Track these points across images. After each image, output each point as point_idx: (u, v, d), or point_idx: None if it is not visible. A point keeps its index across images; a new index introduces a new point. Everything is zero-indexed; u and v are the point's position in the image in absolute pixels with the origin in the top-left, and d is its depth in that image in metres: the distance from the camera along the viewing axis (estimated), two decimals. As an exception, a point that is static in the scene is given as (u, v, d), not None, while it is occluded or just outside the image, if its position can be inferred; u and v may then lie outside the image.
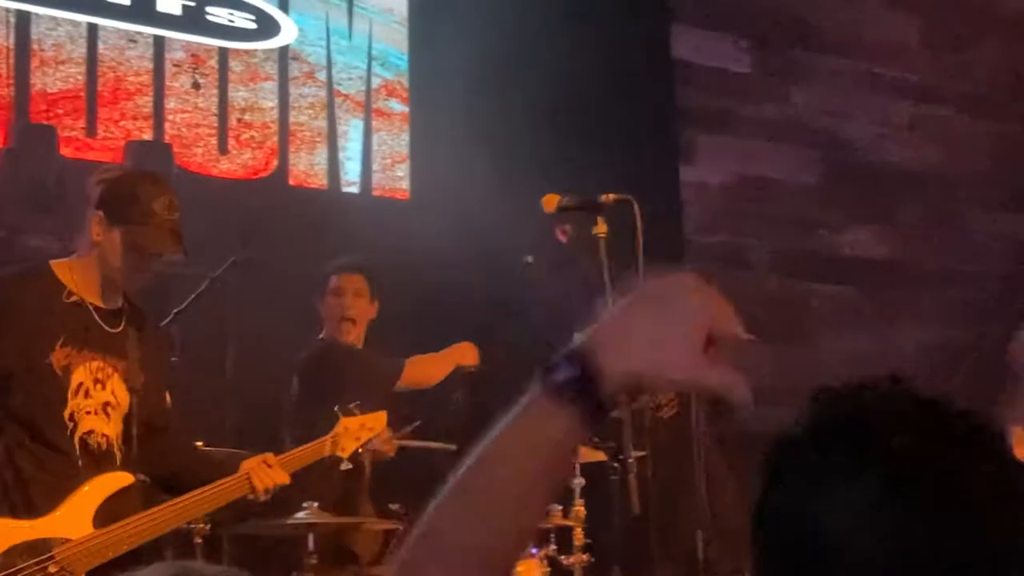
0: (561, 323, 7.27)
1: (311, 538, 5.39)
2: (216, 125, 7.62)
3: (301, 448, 4.92)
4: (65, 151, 7.08)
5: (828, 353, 9.54)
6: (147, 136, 7.36)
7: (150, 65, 7.45)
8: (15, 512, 4.25)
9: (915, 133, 10.23)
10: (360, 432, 5.03)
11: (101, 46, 7.33)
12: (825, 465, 1.46)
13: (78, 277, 4.45)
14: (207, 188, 7.31)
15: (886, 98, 10.16)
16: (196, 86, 7.57)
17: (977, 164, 10.35)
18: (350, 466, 5.12)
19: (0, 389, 4.33)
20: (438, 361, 6.53)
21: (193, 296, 6.21)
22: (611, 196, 4.94)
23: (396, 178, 8.18)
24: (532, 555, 5.97)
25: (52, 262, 4.53)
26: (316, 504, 5.39)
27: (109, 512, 4.30)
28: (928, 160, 10.22)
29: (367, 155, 8.08)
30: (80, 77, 7.25)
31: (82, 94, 7.24)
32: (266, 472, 4.63)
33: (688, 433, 6.61)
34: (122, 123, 7.32)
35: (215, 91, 7.64)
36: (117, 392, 4.45)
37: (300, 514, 5.25)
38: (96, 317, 4.45)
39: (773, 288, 9.42)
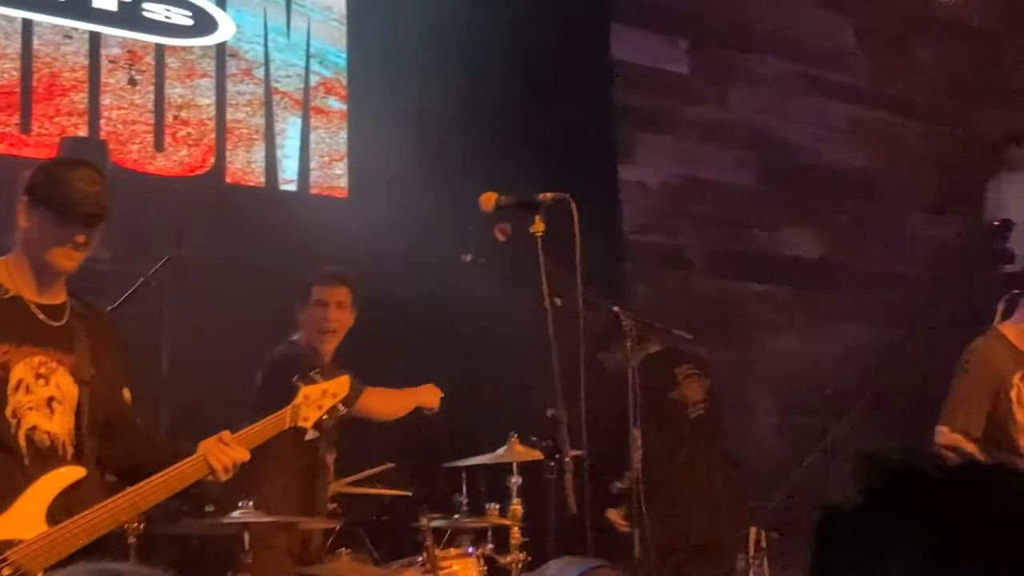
0: (499, 321, 7.32)
1: (247, 537, 5.36)
2: (152, 122, 7.57)
3: (260, 422, 4.79)
4: (-1, 147, 7.03)
5: (762, 352, 9.60)
6: (82, 132, 7.30)
7: (86, 61, 7.40)
8: None
9: (851, 135, 10.32)
10: (322, 399, 4.90)
11: (36, 42, 7.27)
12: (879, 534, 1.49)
13: (14, 273, 4.38)
14: (143, 185, 7.27)
15: (822, 100, 10.24)
16: (132, 82, 7.52)
17: (911, 167, 10.46)
18: (316, 434, 4.98)
19: None
20: (399, 397, 6.43)
21: (127, 294, 6.17)
22: (549, 195, 4.95)
23: (334, 176, 8.16)
24: (469, 554, 5.98)
25: None
26: (251, 503, 5.36)
27: (63, 508, 4.21)
28: (863, 162, 10.31)
29: (305, 153, 8.06)
30: (15, 73, 7.18)
31: (16, 90, 7.17)
32: (223, 451, 4.46)
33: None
34: (57, 119, 7.26)
35: (151, 88, 7.59)
36: (63, 386, 4.36)
37: (235, 513, 5.21)
38: (36, 312, 4.37)
39: (709, 288, 9.47)
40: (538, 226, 4.95)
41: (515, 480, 6.10)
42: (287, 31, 8.08)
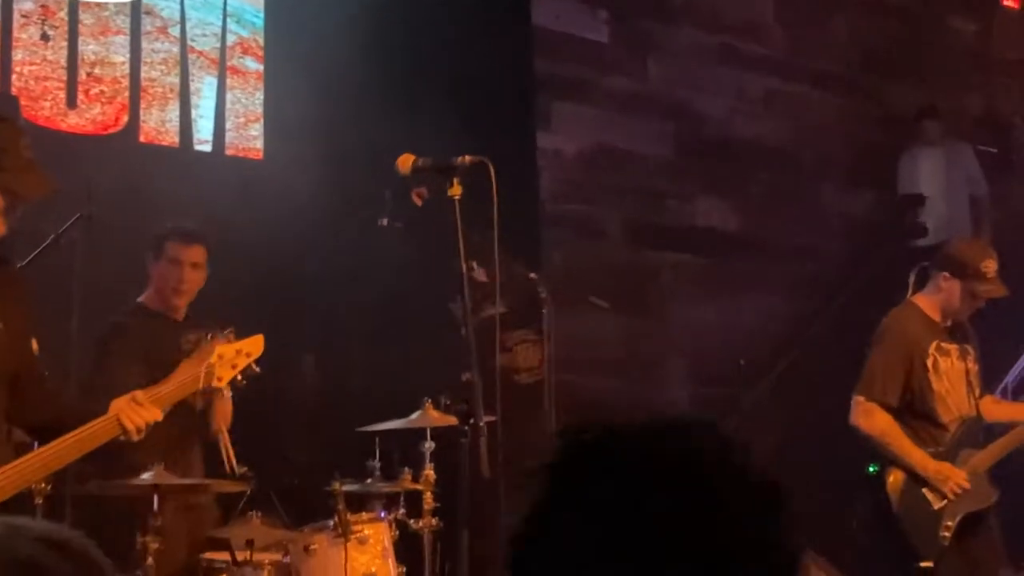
0: (415, 285, 7.29)
1: (155, 499, 5.31)
2: (65, 79, 7.45)
3: (173, 381, 4.73)
4: (-93, 100, 6.89)
5: (676, 323, 9.65)
6: (-7, 88, 7.19)
7: (-2, 15, 7.27)
8: None
9: (767, 107, 10.38)
10: (237, 359, 4.86)
11: (-53, -6, 7.14)
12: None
13: None
14: (54, 142, 7.16)
15: (740, 72, 10.28)
16: (45, 38, 7.40)
17: (827, 140, 10.54)
18: (230, 393, 4.92)
19: None
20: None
21: (37, 251, 6.07)
22: (467, 158, 4.92)
23: (250, 137, 8.09)
24: (381, 518, 5.97)
25: None
26: (162, 465, 5.32)
27: None
28: (779, 135, 10.37)
29: (220, 113, 7.97)
30: (-76, 25, 7.05)
31: (-75, 42, 7.04)
32: (135, 411, 4.44)
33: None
34: (-33, 74, 7.14)
35: (64, 44, 7.47)
36: None
37: (145, 475, 5.16)
38: None
39: (624, 257, 9.49)
40: (455, 189, 4.92)
41: (428, 445, 6.09)
42: (204, -11, 7.99)
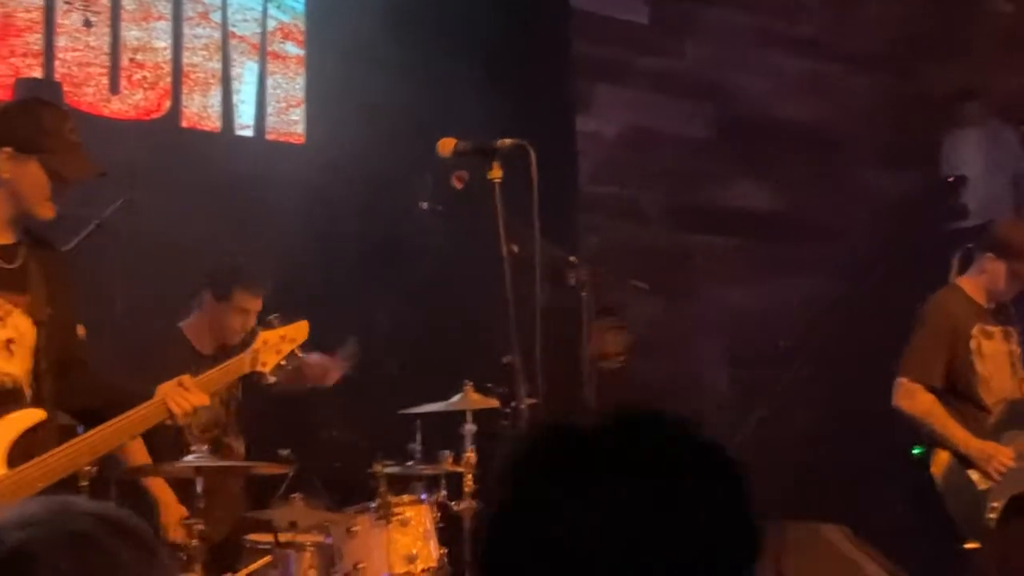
0: (455, 268, 7.32)
1: (199, 481, 5.36)
2: (108, 64, 7.50)
3: (220, 366, 4.76)
4: (-49, 87, 6.96)
5: (714, 305, 9.65)
6: (37, 74, 7.23)
7: (41, 2, 7.30)
8: None
9: (805, 88, 10.34)
10: (281, 345, 4.87)
11: (-11, -19, 7.19)
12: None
13: None
14: (97, 128, 7.21)
15: (778, 53, 10.25)
16: (88, 24, 7.45)
17: (865, 121, 10.50)
18: (274, 379, 4.94)
19: None
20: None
21: (81, 237, 6.14)
22: (507, 141, 4.94)
23: (291, 122, 8.12)
24: (422, 501, 6.01)
25: None
26: (205, 447, 5.36)
27: (23, 451, 4.18)
28: (817, 115, 10.34)
29: (261, 98, 8.01)
30: (-32, 13, 7.11)
31: (-30, 30, 7.10)
32: (182, 395, 4.45)
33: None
34: (11, 60, 7.17)
35: (107, 30, 7.52)
36: (21, 327, 4.30)
37: (188, 457, 5.20)
38: None
39: (661, 239, 9.50)
40: (496, 172, 4.93)
41: (469, 428, 6.12)
42: (245, -25, 8.03)
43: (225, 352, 5.96)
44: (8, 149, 4.28)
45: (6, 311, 4.29)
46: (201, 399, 4.51)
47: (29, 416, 4.26)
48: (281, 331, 4.88)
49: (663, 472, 1.53)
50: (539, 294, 4.96)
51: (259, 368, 4.81)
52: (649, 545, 1.49)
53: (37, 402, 4.32)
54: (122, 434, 4.41)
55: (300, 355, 4.93)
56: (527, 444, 1.61)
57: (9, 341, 4.28)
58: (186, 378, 4.51)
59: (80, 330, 4.68)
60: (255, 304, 6.21)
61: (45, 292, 4.39)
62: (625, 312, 8.16)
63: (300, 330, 4.95)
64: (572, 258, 6.81)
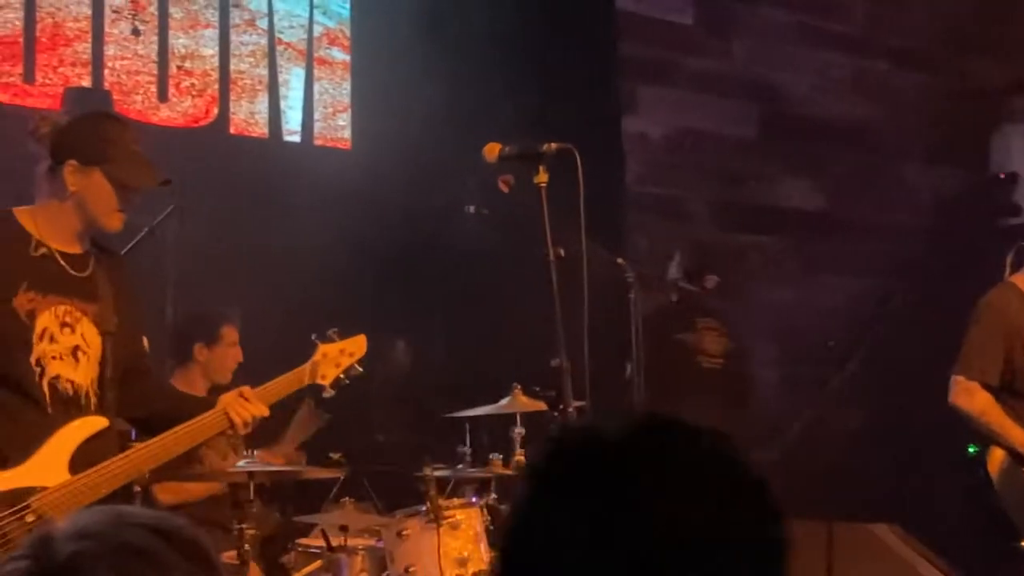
0: (502, 272, 7.33)
1: (251, 487, 5.40)
2: (156, 72, 7.56)
3: (280, 378, 4.81)
4: (2, 97, 7.02)
5: (762, 304, 9.62)
6: (86, 83, 7.29)
7: (89, 11, 7.37)
8: None
9: (851, 86, 10.31)
10: (340, 358, 4.91)
11: (39, -9, 7.26)
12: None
13: (41, 224, 4.38)
14: (146, 136, 7.23)
15: (823, 51, 10.22)
16: (136, 32, 7.51)
17: (910, 118, 10.44)
18: (332, 393, 4.99)
19: None
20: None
21: (132, 243, 6.18)
22: (553, 145, 4.95)
23: (338, 127, 8.16)
24: (472, 504, 6.02)
25: (15, 209, 4.43)
26: (256, 452, 5.40)
27: (85, 457, 4.24)
28: (863, 113, 10.30)
29: (308, 104, 8.05)
30: (18, 23, 7.16)
31: (20, 40, 7.16)
32: (243, 405, 4.51)
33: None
34: (61, 69, 7.25)
35: (155, 38, 7.58)
36: (87, 335, 4.37)
37: (240, 462, 5.23)
38: (62, 263, 4.38)
39: (709, 239, 9.48)
40: (542, 176, 4.94)
41: (518, 431, 6.13)
42: (290, -19, 8.07)
43: (217, 391, 6.04)
44: (73, 162, 4.34)
45: (75, 319, 4.35)
46: (261, 410, 4.57)
47: (92, 423, 4.31)
48: (340, 345, 4.92)
49: (685, 483, 1.53)
50: (586, 296, 4.96)
51: (318, 380, 4.86)
52: (664, 557, 1.49)
53: (100, 410, 4.37)
54: (183, 443, 4.48)
55: (359, 369, 4.97)
56: (553, 445, 1.62)
57: (76, 348, 4.34)
58: (246, 389, 4.57)
59: (144, 342, 4.75)
60: (237, 335, 6.38)
61: (112, 302, 4.45)
62: (726, 316, 8.21)
63: (359, 344, 4.99)
64: (620, 260, 6.82)
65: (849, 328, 9.52)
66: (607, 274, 6.62)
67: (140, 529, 1.68)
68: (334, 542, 5.73)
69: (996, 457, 6.27)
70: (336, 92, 8.16)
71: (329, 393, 4.91)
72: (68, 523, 1.69)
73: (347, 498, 5.82)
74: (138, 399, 4.57)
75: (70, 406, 4.29)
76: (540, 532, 1.55)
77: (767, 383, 9.51)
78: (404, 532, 5.82)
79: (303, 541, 5.94)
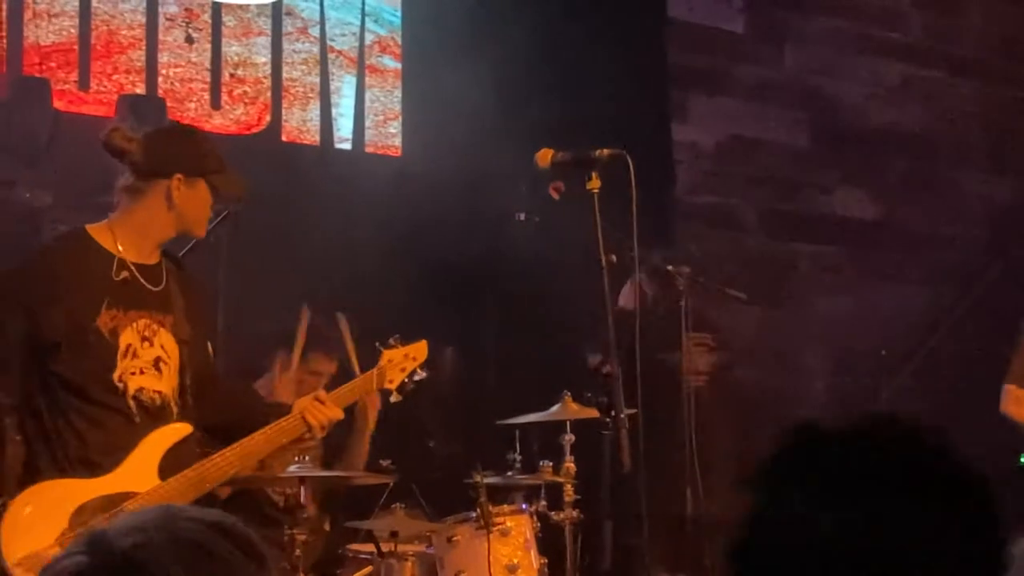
0: (553, 279, 7.33)
1: (302, 491, 5.41)
2: (209, 80, 7.60)
3: (351, 383, 4.89)
4: (58, 104, 7.06)
5: (814, 314, 9.58)
6: (140, 90, 7.34)
7: (143, 19, 7.42)
8: (80, 473, 4.24)
9: (905, 95, 10.25)
10: (405, 363, 5.00)
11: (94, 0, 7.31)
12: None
13: (120, 238, 4.45)
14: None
15: (877, 59, 10.16)
16: (189, 40, 7.55)
17: (965, 126, 10.38)
18: (399, 398, 5.05)
19: (50, 357, 4.31)
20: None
21: (185, 250, 6.20)
22: (605, 151, 4.94)
23: (389, 135, 8.18)
24: (522, 511, 6.01)
25: (89, 227, 4.51)
26: (308, 457, 5.41)
27: (172, 463, 4.31)
28: (917, 122, 10.24)
29: (360, 112, 8.07)
30: (73, 30, 7.22)
31: (75, 47, 7.21)
32: (319, 409, 4.62)
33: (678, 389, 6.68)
34: (115, 77, 7.30)
35: (208, 46, 7.62)
36: (167, 346, 4.43)
37: (292, 467, 5.25)
38: (139, 276, 4.45)
39: (761, 248, 9.45)
40: (594, 183, 4.94)
41: (568, 438, 6.11)
42: (342, -11, 8.10)
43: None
44: (180, 175, 4.41)
45: (153, 331, 4.41)
46: (337, 413, 4.69)
47: (178, 430, 4.38)
48: (404, 350, 5.01)
49: (916, 490, 1.53)
50: (637, 304, 4.95)
51: (386, 386, 4.94)
52: (893, 566, 1.49)
53: (183, 416, 4.43)
54: (264, 448, 4.58)
55: (423, 373, 5.03)
56: (782, 449, 1.62)
57: (158, 360, 4.40)
58: (322, 393, 4.70)
59: (209, 348, 4.81)
60: (328, 367, 6.34)
61: (185, 311, 4.52)
62: (719, 329, 8.12)
63: (421, 350, 5.09)
64: (670, 267, 6.80)
65: (903, 338, 9.47)
66: (657, 281, 6.61)
67: (195, 523, 1.69)
68: (384, 548, 5.73)
69: (1049, 467, 6.23)
70: (387, 100, 8.18)
71: (396, 398, 4.99)
72: (123, 520, 1.70)
73: (398, 504, 5.83)
74: (211, 405, 4.63)
75: (156, 415, 4.37)
76: (768, 537, 1.56)
77: (817, 393, 9.46)
78: (454, 538, 5.82)
79: (353, 547, 5.95)
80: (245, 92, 7.71)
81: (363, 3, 8.13)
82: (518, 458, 6.23)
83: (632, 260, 5.14)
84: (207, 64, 7.60)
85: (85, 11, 7.25)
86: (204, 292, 4.82)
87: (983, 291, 9.62)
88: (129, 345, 4.37)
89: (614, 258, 5.03)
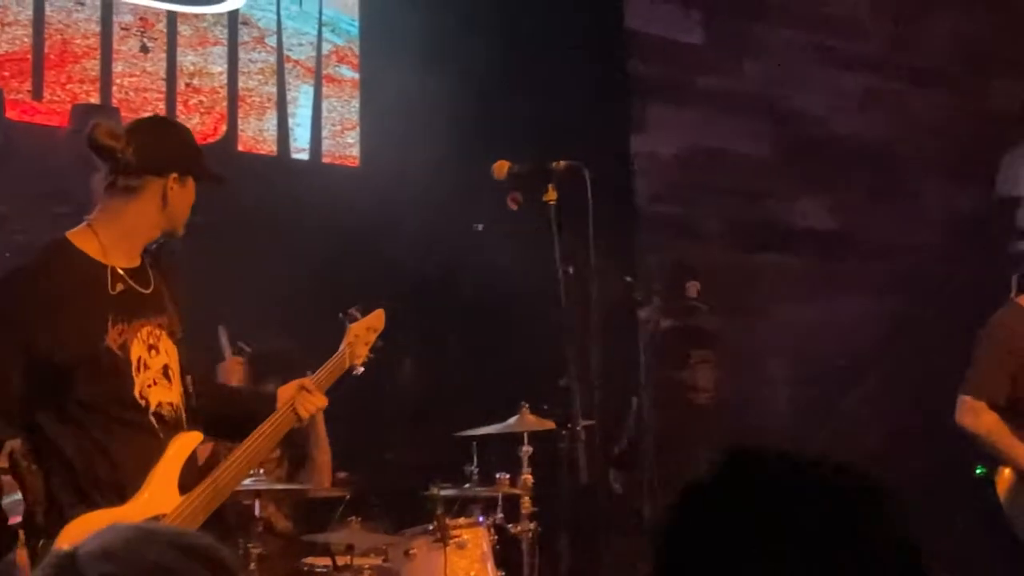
0: (510, 290, 7.30)
1: (257, 505, 5.37)
2: (164, 89, 7.55)
3: (327, 366, 4.76)
4: (11, 114, 7.00)
5: (775, 323, 9.58)
6: (94, 100, 7.29)
7: (98, 28, 7.37)
8: (110, 498, 4.06)
9: (865, 105, 10.27)
10: (367, 336, 4.89)
11: (48, 8, 7.24)
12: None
13: (107, 245, 4.20)
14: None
15: (837, 70, 10.18)
16: (144, 50, 7.50)
17: (927, 137, 10.40)
18: (361, 370, 4.93)
19: (64, 384, 4.06)
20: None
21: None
22: (562, 163, 4.93)
23: (346, 145, 8.15)
24: (480, 523, 5.99)
25: (69, 234, 4.25)
26: (262, 470, 5.37)
27: (187, 474, 4.15)
28: (878, 133, 10.26)
29: (317, 122, 8.04)
30: (26, 39, 7.16)
31: (28, 56, 7.15)
32: (308, 399, 4.50)
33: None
34: (69, 86, 7.24)
35: (163, 55, 7.57)
36: (168, 351, 4.22)
37: (247, 480, 5.19)
38: (131, 282, 4.24)
39: (721, 259, 9.44)
40: (551, 194, 4.93)
41: (526, 450, 6.10)
42: (299, -1, 8.06)
43: None
44: (175, 174, 4.26)
45: (156, 336, 4.23)
46: (323, 401, 4.56)
47: (191, 441, 4.25)
48: (366, 322, 4.87)
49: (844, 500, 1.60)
50: (594, 316, 4.94)
51: (355, 361, 4.80)
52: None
53: (191, 424, 4.30)
54: (266, 446, 4.48)
55: (379, 343, 4.91)
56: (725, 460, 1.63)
57: (165, 368, 4.22)
58: (307, 381, 4.54)
59: None
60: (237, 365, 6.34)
61: (174, 308, 4.36)
62: (718, 345, 8.17)
63: (380, 318, 4.94)
64: (628, 278, 6.79)
65: (862, 348, 9.48)
66: (616, 293, 6.59)
67: (166, 548, 1.65)
68: (340, 561, 5.70)
69: (1004, 478, 6.24)
70: (344, 110, 8.15)
71: (359, 371, 4.84)
72: (92, 543, 1.65)
73: (354, 517, 5.79)
74: (208, 401, 4.48)
75: (172, 427, 4.20)
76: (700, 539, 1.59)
77: (778, 402, 9.46)
78: (411, 551, 5.80)
79: (309, 560, 5.90)
80: (201, 102, 7.66)
81: (320, 13, 8.10)
82: (475, 470, 6.21)
83: (590, 272, 5.12)
84: (162, 74, 7.55)
85: (39, 20, 7.20)
86: (177, 273, 4.58)
87: (943, 301, 9.64)
88: (140, 358, 4.16)
89: (571, 269, 5.01)
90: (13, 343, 4.04)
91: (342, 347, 4.77)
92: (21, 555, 3.99)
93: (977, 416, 6.24)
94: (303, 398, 4.50)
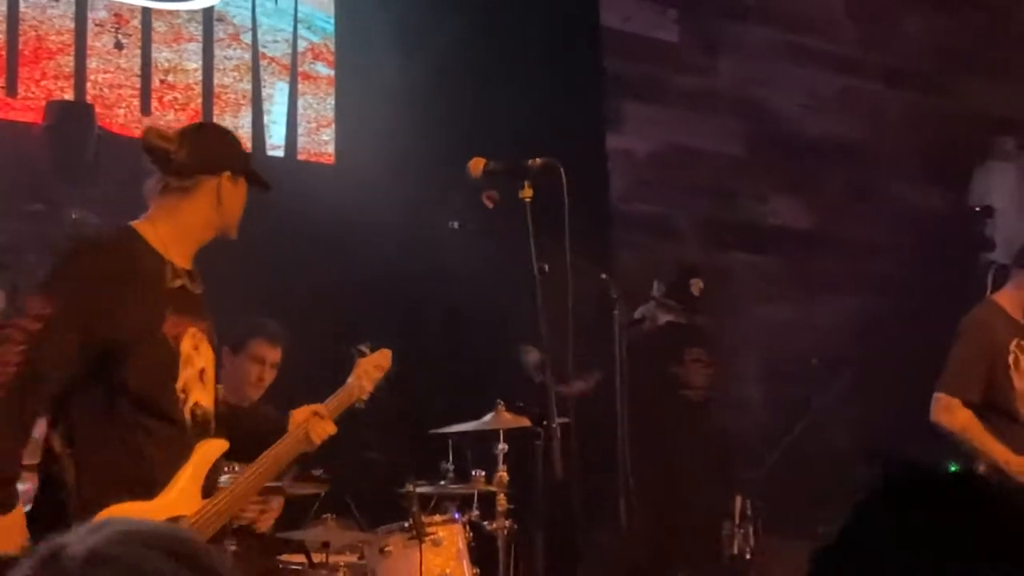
0: (486, 288, 7.31)
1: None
2: (139, 86, 7.52)
3: (337, 396, 4.82)
4: (-15, 110, 6.99)
5: (748, 322, 9.61)
6: (68, 96, 7.26)
7: (72, 24, 7.35)
8: (137, 492, 4.01)
9: (839, 105, 10.31)
10: (374, 373, 4.98)
11: (22, 4, 7.21)
12: None
13: (169, 241, 4.19)
14: (129, 149, 7.21)
15: (812, 70, 10.22)
16: (119, 46, 7.48)
17: (900, 137, 10.45)
18: (363, 407, 5.00)
19: (114, 366, 4.00)
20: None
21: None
22: (538, 160, 4.93)
23: (321, 142, 8.13)
24: (455, 520, 5.99)
25: (136, 224, 4.20)
26: (236, 467, 5.36)
27: (212, 481, 4.18)
28: (852, 132, 10.30)
29: (292, 119, 8.02)
30: (1, 35, 7.13)
31: (2, 52, 7.12)
32: (320, 424, 4.59)
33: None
34: (43, 83, 7.21)
35: (138, 51, 7.55)
36: (207, 356, 4.21)
37: (223, 478, 5.18)
38: (186, 281, 4.22)
39: (695, 257, 9.46)
40: (527, 192, 4.92)
41: (502, 447, 6.10)
42: (275, -4, 8.05)
43: (241, 400, 6.00)
44: (227, 173, 4.26)
45: (198, 340, 4.20)
46: (333, 429, 4.65)
47: (220, 446, 4.24)
48: (373, 359, 4.98)
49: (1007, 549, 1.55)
50: (570, 313, 4.93)
51: (363, 395, 4.92)
52: None
53: (219, 432, 4.29)
54: (281, 461, 4.52)
55: (383, 384, 5.03)
56: (878, 482, 1.63)
57: (203, 371, 4.21)
58: (321, 408, 4.64)
59: None
60: (272, 354, 6.19)
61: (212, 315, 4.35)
62: (715, 343, 8.20)
63: (386, 358, 5.07)
64: (603, 275, 6.79)
65: (835, 347, 9.51)
66: (592, 290, 6.58)
67: (156, 552, 1.57)
68: (316, 559, 5.69)
69: (979, 474, 6.26)
70: (320, 107, 8.13)
71: (361, 406, 4.95)
72: (78, 541, 1.56)
73: (329, 514, 5.79)
74: (230, 415, 4.53)
75: (203, 430, 4.18)
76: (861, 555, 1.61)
77: (751, 401, 9.49)
78: (386, 549, 5.80)
79: (284, 558, 5.89)
80: (175, 98, 7.64)
81: (296, 10, 8.09)
82: (451, 467, 6.21)
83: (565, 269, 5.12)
84: (137, 70, 7.52)
85: (13, 16, 7.17)
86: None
87: (916, 300, 9.68)
88: (187, 354, 4.19)
89: (547, 267, 5.01)
90: (75, 317, 3.97)
91: (351, 380, 4.91)
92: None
93: (952, 413, 6.27)
94: (316, 423, 4.59)
